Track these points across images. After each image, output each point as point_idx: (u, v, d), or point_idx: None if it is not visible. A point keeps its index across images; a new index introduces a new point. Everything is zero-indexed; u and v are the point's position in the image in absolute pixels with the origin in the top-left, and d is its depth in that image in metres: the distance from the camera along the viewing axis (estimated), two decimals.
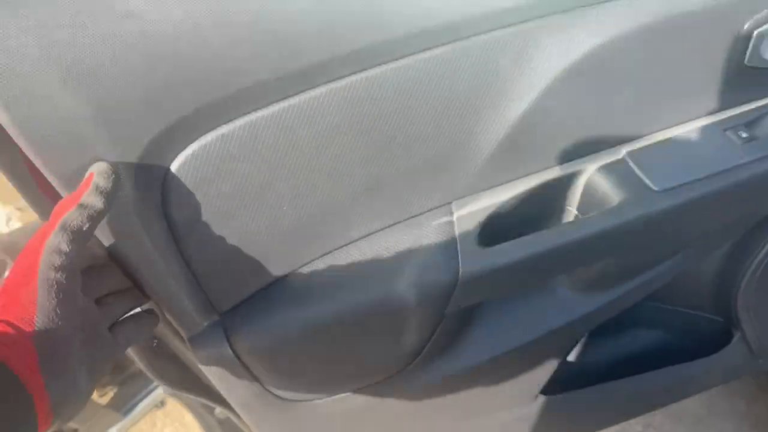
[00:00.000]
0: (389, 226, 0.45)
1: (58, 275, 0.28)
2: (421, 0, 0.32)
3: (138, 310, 0.38)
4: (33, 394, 0.26)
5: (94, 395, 1.05)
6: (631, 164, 0.47)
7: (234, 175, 0.34)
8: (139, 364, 0.50)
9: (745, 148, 0.48)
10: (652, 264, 0.53)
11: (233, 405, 0.50)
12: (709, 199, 0.46)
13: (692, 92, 0.48)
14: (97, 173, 0.29)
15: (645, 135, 0.48)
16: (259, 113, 0.32)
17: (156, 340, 0.47)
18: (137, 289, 0.37)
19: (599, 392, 0.64)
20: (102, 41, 0.26)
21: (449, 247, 0.44)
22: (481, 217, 0.45)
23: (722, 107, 0.49)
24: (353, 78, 0.33)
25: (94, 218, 0.29)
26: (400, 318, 0.45)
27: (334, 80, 0.33)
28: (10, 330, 0.26)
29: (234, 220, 0.37)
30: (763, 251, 0.57)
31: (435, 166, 0.42)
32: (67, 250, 0.28)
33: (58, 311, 0.28)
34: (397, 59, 0.34)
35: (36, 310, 0.27)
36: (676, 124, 0.49)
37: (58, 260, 0.28)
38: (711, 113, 0.49)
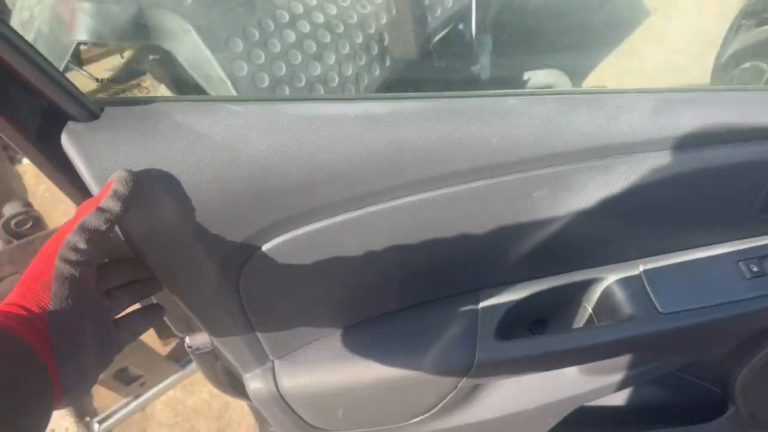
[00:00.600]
0: (422, 304, 0.54)
1: (73, 269, 0.29)
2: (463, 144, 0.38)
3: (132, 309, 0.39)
4: (47, 364, 0.27)
5: (159, 346, 1.16)
6: (645, 283, 0.53)
7: (299, 266, 0.43)
8: (200, 369, 0.60)
9: (754, 283, 0.52)
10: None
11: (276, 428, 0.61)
12: (710, 325, 0.52)
13: (711, 224, 0.53)
14: (117, 180, 0.31)
15: (664, 254, 0.54)
16: (324, 223, 0.40)
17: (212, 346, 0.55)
18: (146, 282, 0.39)
19: None
20: (203, 166, 0.34)
21: (470, 335, 0.52)
22: (503, 310, 0.53)
23: (740, 237, 0.55)
24: (408, 199, 0.40)
25: (111, 221, 0.30)
26: (421, 385, 0.54)
27: (383, 202, 0.40)
28: (25, 312, 0.28)
29: (297, 296, 0.46)
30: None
31: (471, 260, 0.50)
32: (84, 248, 0.30)
33: (70, 301, 0.29)
34: (441, 189, 0.40)
35: (50, 297, 0.29)
36: (694, 248, 0.54)
37: (73, 256, 0.29)
38: (728, 241, 0.55)
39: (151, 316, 0.39)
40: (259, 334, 0.48)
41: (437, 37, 1.00)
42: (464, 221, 0.44)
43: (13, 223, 0.59)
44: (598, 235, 0.51)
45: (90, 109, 0.33)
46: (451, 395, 0.57)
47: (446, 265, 0.50)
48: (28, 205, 0.62)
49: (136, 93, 1.15)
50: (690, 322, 0.52)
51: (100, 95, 1.10)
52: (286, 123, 0.36)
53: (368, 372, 0.52)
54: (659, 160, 0.42)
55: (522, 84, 1.25)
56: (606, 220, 0.47)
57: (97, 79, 1.06)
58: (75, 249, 0.30)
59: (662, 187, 0.45)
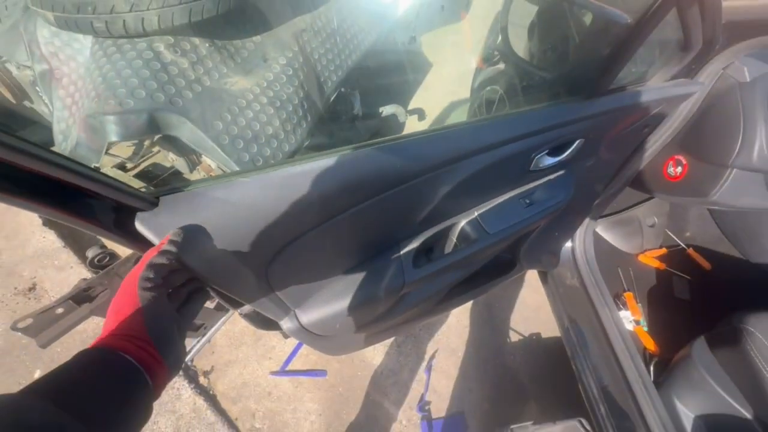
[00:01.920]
0: (373, 256, 0.85)
1: (150, 293, 0.42)
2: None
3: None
4: (149, 373, 0.38)
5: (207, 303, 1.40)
6: (479, 220, 0.89)
7: (304, 259, 0.72)
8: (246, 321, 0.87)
9: (528, 209, 0.92)
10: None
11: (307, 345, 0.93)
12: (512, 233, 0.90)
13: (508, 183, 0.91)
14: (172, 234, 0.47)
15: (487, 202, 0.92)
16: (309, 234, 0.66)
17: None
18: (195, 280, 0.56)
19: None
20: (232, 219, 0.55)
21: (400, 267, 0.84)
22: (414, 251, 0.86)
23: (520, 186, 0.94)
24: (354, 209, 0.67)
25: (170, 258, 0.45)
26: (378, 301, 0.87)
27: (341, 215, 0.66)
28: (130, 335, 0.39)
29: (301, 274, 0.76)
30: (543, 225, 1.09)
31: (395, 230, 0.84)
32: (153, 277, 0.43)
33: (155, 311, 0.41)
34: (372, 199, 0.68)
35: (142, 314, 0.40)
36: (500, 195, 0.92)
37: (148, 284, 0.42)
38: (516, 189, 0.93)
39: (200, 299, 0.57)
40: (282, 298, 0.77)
41: (332, 98, 1.52)
42: (387, 216, 0.74)
43: (96, 260, 0.86)
44: (454, 202, 0.83)
45: (150, 201, 0.49)
46: (394, 302, 0.92)
47: (383, 236, 0.83)
48: (103, 246, 0.89)
49: (159, 157, 1.49)
50: (503, 235, 0.89)
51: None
52: (274, 183, 0.55)
53: (348, 300, 0.83)
54: (481, 161, 0.75)
55: (378, 114, 2.04)
56: (457, 195, 0.79)
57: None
58: (148, 279, 0.43)
59: (481, 173, 0.76)
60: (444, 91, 2.78)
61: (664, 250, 1.80)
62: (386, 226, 0.80)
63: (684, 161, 1.15)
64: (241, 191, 0.54)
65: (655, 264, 1.76)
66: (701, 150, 1.10)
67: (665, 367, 1.40)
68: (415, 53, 2.71)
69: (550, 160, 0.88)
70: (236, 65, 1.21)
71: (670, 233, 1.85)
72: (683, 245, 1.81)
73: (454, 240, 0.92)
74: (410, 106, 2.71)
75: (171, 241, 0.47)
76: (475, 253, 0.88)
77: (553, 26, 1.07)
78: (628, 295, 1.61)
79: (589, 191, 1.26)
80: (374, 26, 1.81)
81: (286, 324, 0.84)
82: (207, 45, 1.14)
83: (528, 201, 0.92)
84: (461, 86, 2.60)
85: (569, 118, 0.84)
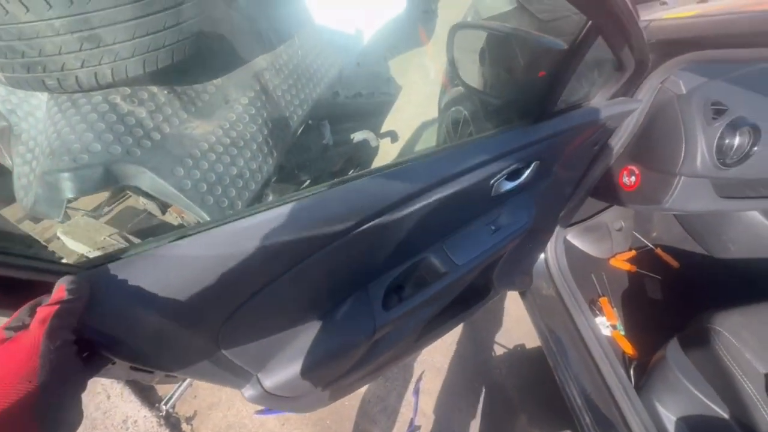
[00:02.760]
0: (344, 301, 0.81)
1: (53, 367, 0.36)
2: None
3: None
4: None
5: None
6: (447, 251, 0.87)
7: (262, 318, 0.67)
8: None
9: (495, 234, 0.92)
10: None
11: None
12: (480, 262, 0.89)
13: (473, 211, 0.92)
14: (67, 283, 0.39)
15: (454, 232, 0.91)
16: (268, 289, 0.62)
17: None
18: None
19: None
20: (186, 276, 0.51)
21: (369, 312, 0.80)
22: (382, 292, 0.82)
23: (484, 213, 0.95)
24: (317, 255, 0.64)
25: (74, 318, 0.39)
26: (351, 351, 0.83)
27: (306, 260, 0.63)
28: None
29: (259, 334, 0.69)
30: (512, 248, 1.10)
31: (361, 274, 0.81)
32: (58, 341, 0.37)
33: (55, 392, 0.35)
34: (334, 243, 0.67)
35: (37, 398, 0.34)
36: (466, 224, 0.92)
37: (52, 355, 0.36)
38: (481, 216, 0.93)
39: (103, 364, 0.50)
40: (241, 364, 0.70)
41: (299, 131, 1.54)
42: (350, 261, 0.71)
43: None
44: (420, 237, 0.81)
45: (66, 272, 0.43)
46: (366, 349, 0.86)
47: (348, 281, 0.78)
48: None
49: (131, 201, 1.46)
50: (473, 264, 0.87)
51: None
52: (218, 241, 0.52)
53: (316, 354, 0.77)
54: (442, 192, 0.73)
55: (350, 140, 2.12)
56: (422, 229, 0.78)
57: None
58: (51, 344, 0.36)
59: (444, 205, 0.74)
60: (414, 113, 2.88)
61: (633, 252, 1.86)
62: (350, 271, 0.76)
63: (636, 171, 1.20)
64: (181, 254, 0.49)
65: (626, 267, 1.81)
66: (650, 160, 1.16)
67: (645, 369, 1.43)
68: (384, 78, 2.79)
69: (509, 185, 0.91)
70: (197, 109, 1.22)
71: (637, 235, 1.91)
72: (651, 246, 1.87)
73: (424, 275, 0.89)
74: (383, 129, 2.77)
75: (70, 291, 0.39)
76: (447, 287, 0.88)
77: (500, 53, 1.12)
78: (603, 300, 1.65)
79: (552, 208, 1.30)
80: (338, 58, 1.85)
81: (248, 392, 0.78)
82: (166, 92, 1.15)
83: (494, 227, 0.92)
84: (429, 107, 2.72)
85: (522, 142, 0.87)
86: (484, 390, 1.74)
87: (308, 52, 1.69)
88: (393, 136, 2.76)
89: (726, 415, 1.12)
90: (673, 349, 1.28)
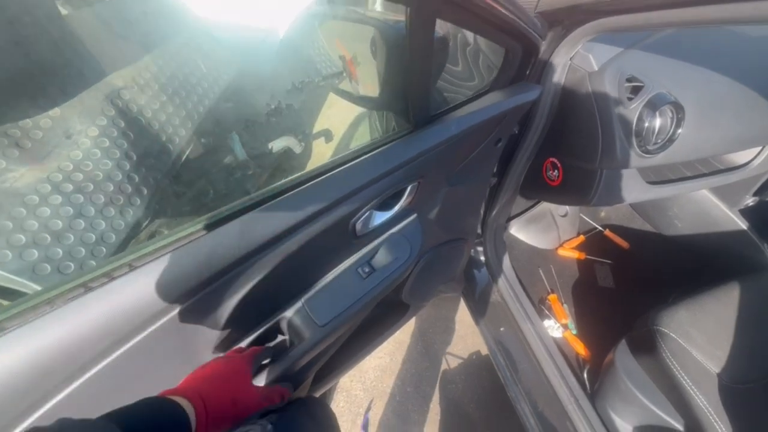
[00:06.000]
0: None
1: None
2: None
3: None
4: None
5: None
6: (307, 309, 0.70)
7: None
8: None
9: (368, 279, 0.74)
10: None
11: None
12: (350, 316, 0.72)
13: (334, 254, 0.73)
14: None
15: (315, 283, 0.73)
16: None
17: None
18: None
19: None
20: None
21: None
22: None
23: (353, 254, 0.76)
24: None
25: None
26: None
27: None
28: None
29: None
30: (417, 269, 0.98)
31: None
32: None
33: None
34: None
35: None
36: (328, 272, 0.74)
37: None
38: (346, 259, 0.75)
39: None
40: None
41: (184, 156, 1.31)
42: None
43: None
44: (279, 291, 0.66)
45: None
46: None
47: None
48: None
49: None
50: (337, 323, 0.71)
51: None
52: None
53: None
54: (294, 242, 0.59)
55: (269, 151, 1.80)
56: (279, 282, 0.62)
57: None
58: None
59: (299, 252, 0.60)
60: (348, 106, 2.63)
61: (582, 238, 1.74)
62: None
63: (558, 164, 1.05)
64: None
65: (575, 254, 1.69)
66: (569, 153, 1.00)
67: (599, 371, 1.31)
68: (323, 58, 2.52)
69: (382, 216, 0.73)
70: (23, 153, 0.98)
71: (585, 218, 1.79)
72: (599, 227, 1.76)
73: (287, 337, 0.73)
74: (315, 129, 2.54)
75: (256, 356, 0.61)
76: (316, 347, 0.70)
77: (365, 45, 0.92)
78: (553, 298, 1.52)
79: (466, 214, 1.13)
80: (233, 61, 1.61)
81: None
82: None
83: (367, 270, 0.75)
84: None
85: (396, 162, 0.69)
86: (440, 410, 1.60)
87: (189, 58, 1.44)
88: (327, 135, 2.53)
89: (680, 427, 1.01)
90: (621, 352, 1.15)
